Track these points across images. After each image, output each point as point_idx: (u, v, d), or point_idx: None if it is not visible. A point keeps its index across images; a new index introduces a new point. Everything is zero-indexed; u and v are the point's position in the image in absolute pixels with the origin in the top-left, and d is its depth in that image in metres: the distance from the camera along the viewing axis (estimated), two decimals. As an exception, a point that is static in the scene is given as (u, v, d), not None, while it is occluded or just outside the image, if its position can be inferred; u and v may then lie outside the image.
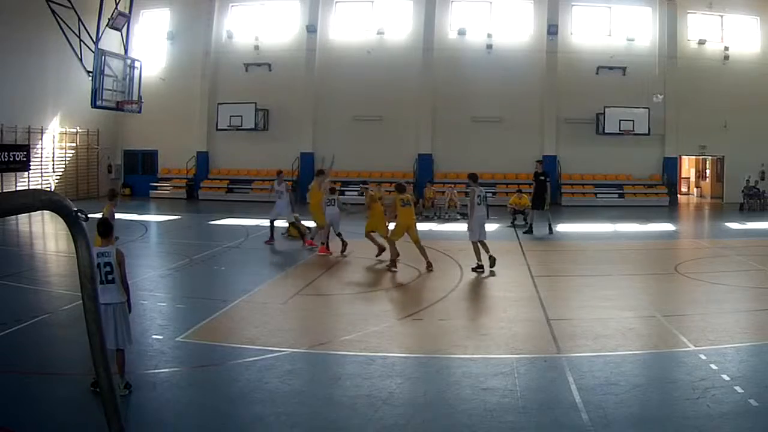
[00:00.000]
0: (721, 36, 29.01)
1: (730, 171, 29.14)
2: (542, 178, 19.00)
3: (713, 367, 7.25)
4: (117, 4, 23.21)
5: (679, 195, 31.06)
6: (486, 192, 14.19)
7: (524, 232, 18.86)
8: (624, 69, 28.78)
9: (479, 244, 13.10)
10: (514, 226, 20.17)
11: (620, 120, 28.03)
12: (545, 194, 18.82)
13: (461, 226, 21.22)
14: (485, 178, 28.50)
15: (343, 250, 14.97)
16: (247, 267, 14.33)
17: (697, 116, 28.20)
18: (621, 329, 8.92)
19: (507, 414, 6.20)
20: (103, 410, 2.00)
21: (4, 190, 21.19)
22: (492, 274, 12.81)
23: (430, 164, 29.06)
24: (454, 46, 29.48)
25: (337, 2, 30.41)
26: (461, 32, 29.35)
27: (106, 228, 6.76)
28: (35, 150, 26.12)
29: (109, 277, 6.52)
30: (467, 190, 15.06)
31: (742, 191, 27.08)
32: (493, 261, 13.02)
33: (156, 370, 7.41)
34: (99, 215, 12.65)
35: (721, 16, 29.00)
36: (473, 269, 12.88)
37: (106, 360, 2.04)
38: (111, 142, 31.11)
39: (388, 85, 29.09)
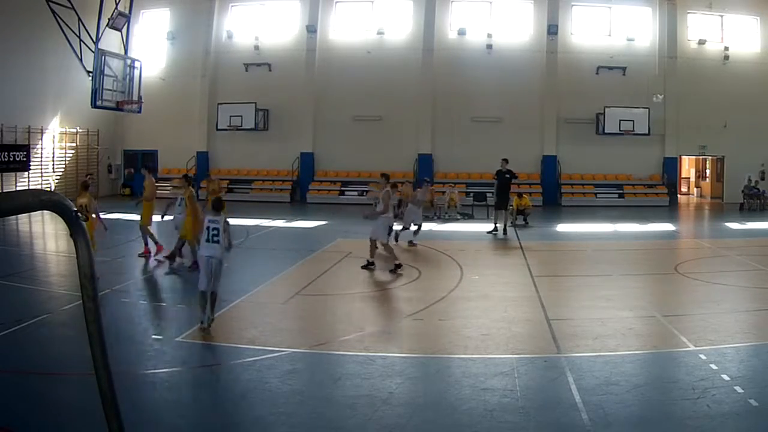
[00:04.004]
0: (721, 36, 28.99)
1: (730, 171, 29.12)
2: (507, 176, 18.86)
3: (713, 367, 7.25)
4: (117, 4, 23.17)
5: (679, 195, 31.03)
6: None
7: (487, 232, 18.77)
8: (624, 69, 28.75)
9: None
10: (514, 225, 20.15)
11: (620, 120, 28.01)
12: (509, 193, 18.86)
13: (461, 226, 21.32)
14: (486, 178, 28.59)
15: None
16: (247, 267, 14.32)
17: (697, 116, 28.17)
18: (621, 329, 8.92)
19: (507, 414, 6.19)
20: (103, 410, 2.00)
21: (4, 190, 21.19)
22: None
23: (430, 164, 29.03)
24: (454, 46, 29.46)
25: (337, 2, 30.40)
26: (461, 32, 29.33)
27: (220, 204, 9.09)
28: (35, 150, 26.10)
29: (215, 238, 8.69)
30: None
31: (742, 191, 27.07)
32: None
33: (156, 370, 7.41)
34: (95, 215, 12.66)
35: (721, 16, 28.99)
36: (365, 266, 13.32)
37: (107, 360, 2.04)
38: (111, 142, 31.09)
39: (387, 85, 29.06)
